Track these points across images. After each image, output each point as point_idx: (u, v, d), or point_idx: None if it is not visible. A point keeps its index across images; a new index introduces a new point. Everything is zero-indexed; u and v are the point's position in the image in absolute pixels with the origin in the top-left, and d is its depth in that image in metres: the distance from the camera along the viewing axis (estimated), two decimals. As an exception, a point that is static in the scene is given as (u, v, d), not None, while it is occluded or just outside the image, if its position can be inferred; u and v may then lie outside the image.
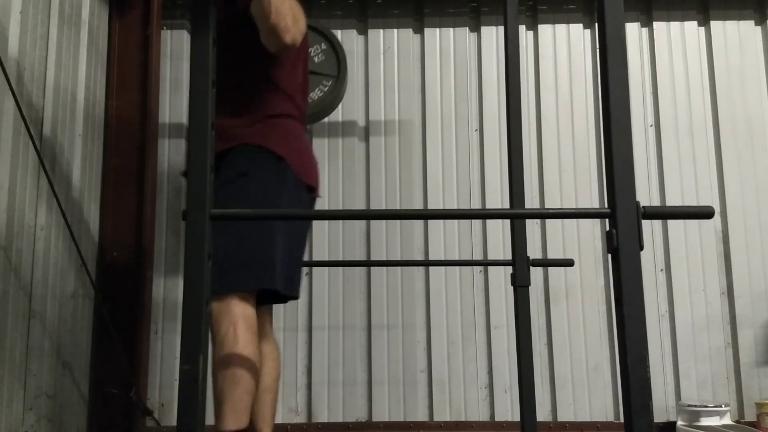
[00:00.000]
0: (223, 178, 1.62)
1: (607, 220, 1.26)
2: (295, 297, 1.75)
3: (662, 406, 2.80)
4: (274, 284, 1.61)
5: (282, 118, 1.76)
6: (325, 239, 2.91)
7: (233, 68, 1.71)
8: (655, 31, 3.07)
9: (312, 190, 1.79)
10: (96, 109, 2.73)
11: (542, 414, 2.76)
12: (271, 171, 1.67)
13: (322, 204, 2.91)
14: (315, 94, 2.80)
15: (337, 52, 2.84)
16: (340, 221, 2.89)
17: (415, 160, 2.98)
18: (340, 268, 2.89)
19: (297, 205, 1.71)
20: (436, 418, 2.78)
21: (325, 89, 2.82)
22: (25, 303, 2.14)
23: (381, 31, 3.06)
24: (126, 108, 2.82)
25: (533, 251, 2.81)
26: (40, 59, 2.26)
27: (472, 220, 2.92)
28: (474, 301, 2.88)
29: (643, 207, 1.22)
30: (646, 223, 1.35)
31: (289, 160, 1.70)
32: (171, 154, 2.95)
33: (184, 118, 2.97)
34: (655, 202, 2.94)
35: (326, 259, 2.90)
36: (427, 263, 2.90)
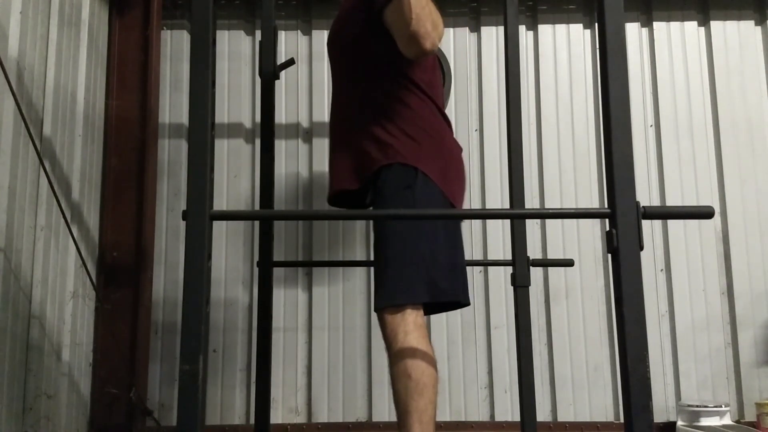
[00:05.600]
0: (387, 192, 1.65)
1: (607, 220, 1.26)
2: (466, 303, 1.73)
3: (662, 406, 2.80)
4: (454, 295, 1.64)
5: (434, 132, 1.74)
6: (325, 239, 2.91)
7: (374, 79, 1.71)
8: (655, 32, 3.07)
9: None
10: (96, 109, 2.73)
11: (542, 414, 2.76)
12: (427, 190, 1.68)
13: (322, 204, 2.91)
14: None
15: (441, 62, 2.82)
16: (340, 221, 2.89)
17: (415, 160, 2.97)
18: (340, 268, 2.89)
19: (447, 223, 1.73)
20: (436, 418, 2.77)
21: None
22: (25, 303, 2.14)
23: (381, 31, 3.05)
24: (126, 108, 2.82)
25: (533, 251, 2.81)
26: (40, 59, 2.26)
27: (472, 220, 2.91)
28: (474, 301, 2.87)
29: (643, 207, 1.22)
30: (646, 223, 1.35)
31: (440, 183, 1.70)
32: (171, 154, 2.95)
33: (184, 119, 2.97)
34: (655, 202, 2.94)
35: (326, 259, 2.90)
36: (427, 263, 2.89)
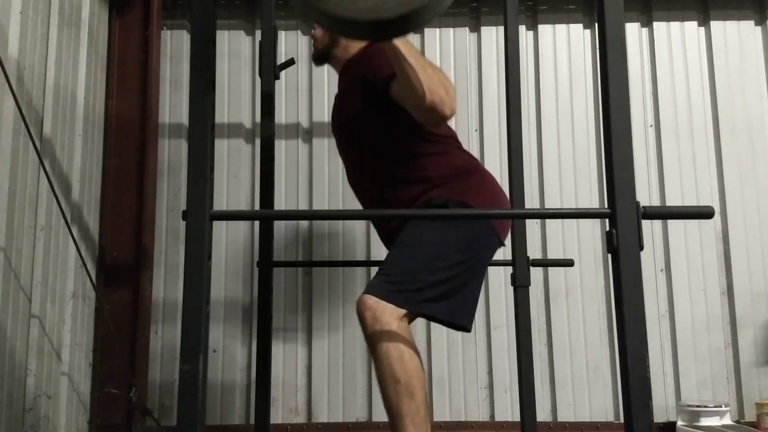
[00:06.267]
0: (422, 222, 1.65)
1: (607, 220, 1.26)
2: (465, 329, 1.69)
3: (662, 406, 2.80)
4: (444, 314, 1.62)
5: (471, 168, 1.76)
6: (325, 239, 2.91)
7: (393, 142, 1.71)
8: (655, 32, 3.07)
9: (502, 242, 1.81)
10: (96, 109, 2.73)
11: (542, 414, 2.75)
12: (482, 231, 1.69)
13: (322, 204, 2.91)
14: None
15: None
16: (340, 221, 2.89)
17: (415, 160, 2.97)
18: (340, 268, 2.89)
19: (488, 258, 1.73)
20: (436, 418, 2.77)
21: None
22: (25, 303, 2.14)
23: (381, 31, 3.05)
24: (126, 108, 2.82)
25: (533, 251, 2.81)
26: (40, 59, 2.26)
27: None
28: (474, 301, 2.87)
29: (643, 207, 1.22)
30: (646, 223, 1.35)
31: (496, 225, 1.71)
32: (171, 154, 2.95)
33: (184, 118, 2.97)
34: (655, 202, 2.94)
35: (326, 259, 2.90)
36: (427, 263, 2.89)
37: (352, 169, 1.90)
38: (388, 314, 1.51)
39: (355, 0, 1.07)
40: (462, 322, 1.65)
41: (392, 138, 1.72)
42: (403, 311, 1.53)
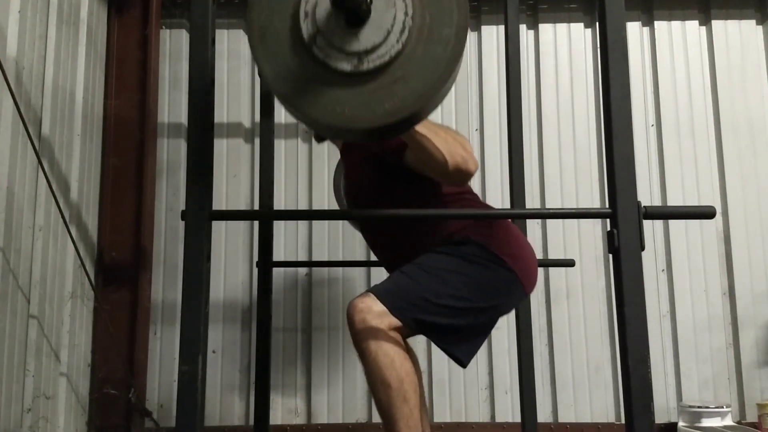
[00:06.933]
0: (439, 249, 1.59)
1: (608, 220, 1.25)
2: (459, 362, 1.60)
3: (663, 407, 2.79)
4: (434, 337, 1.57)
5: (491, 226, 1.69)
6: (325, 239, 2.90)
7: (410, 204, 1.65)
8: (656, 31, 3.06)
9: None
10: (95, 108, 2.72)
11: (543, 415, 2.75)
12: (500, 278, 1.60)
13: (322, 204, 2.91)
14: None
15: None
16: (340, 221, 2.88)
17: (415, 160, 2.96)
18: (340, 268, 2.89)
19: (507, 308, 1.66)
20: (436, 419, 2.77)
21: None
22: (24, 303, 2.13)
23: (381, 30, 3.04)
24: (125, 108, 2.81)
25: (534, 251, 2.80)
26: (38, 59, 2.26)
27: (473, 220, 2.90)
28: (474, 301, 2.86)
29: (645, 207, 1.21)
30: (647, 223, 1.34)
31: (521, 275, 1.61)
32: (170, 153, 2.94)
33: (183, 118, 2.96)
34: (657, 202, 2.94)
35: (326, 259, 2.89)
36: (427, 263, 2.88)
37: (368, 229, 1.85)
38: (378, 319, 1.47)
39: (339, 110, 1.09)
40: (456, 354, 1.57)
41: (409, 203, 1.66)
42: (395, 320, 1.49)
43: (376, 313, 1.48)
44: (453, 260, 1.58)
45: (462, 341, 1.58)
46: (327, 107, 1.09)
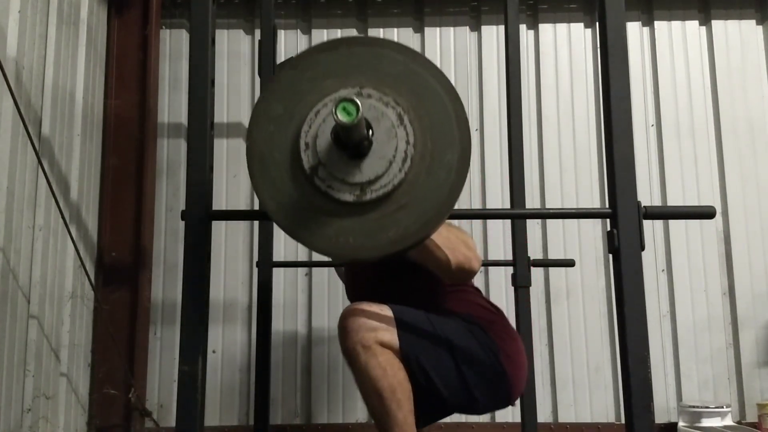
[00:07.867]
0: (442, 322, 1.56)
1: (608, 220, 1.25)
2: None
3: (663, 407, 2.79)
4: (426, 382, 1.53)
5: (496, 316, 1.68)
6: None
7: (415, 300, 1.62)
8: (656, 31, 3.06)
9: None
10: (94, 108, 2.72)
11: (543, 415, 2.75)
12: (491, 370, 1.56)
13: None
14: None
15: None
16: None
17: (415, 160, 2.96)
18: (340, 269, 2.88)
19: (486, 406, 1.62)
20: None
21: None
22: (24, 303, 2.13)
23: (381, 30, 3.05)
24: (125, 107, 2.81)
25: (534, 251, 2.80)
26: (38, 59, 2.26)
27: (473, 220, 2.90)
28: (474, 301, 2.86)
29: (645, 207, 1.21)
30: (647, 223, 1.34)
31: (512, 377, 1.57)
32: (170, 153, 2.94)
33: (183, 118, 2.96)
34: (657, 202, 2.93)
35: (326, 259, 2.89)
36: (427, 263, 2.88)
37: (359, 281, 1.84)
38: (373, 332, 1.45)
39: (343, 240, 1.08)
40: (420, 415, 1.51)
41: (409, 294, 1.65)
42: (388, 336, 1.46)
43: (370, 327, 1.46)
44: (462, 326, 1.57)
45: (434, 409, 1.56)
46: (331, 238, 1.08)
